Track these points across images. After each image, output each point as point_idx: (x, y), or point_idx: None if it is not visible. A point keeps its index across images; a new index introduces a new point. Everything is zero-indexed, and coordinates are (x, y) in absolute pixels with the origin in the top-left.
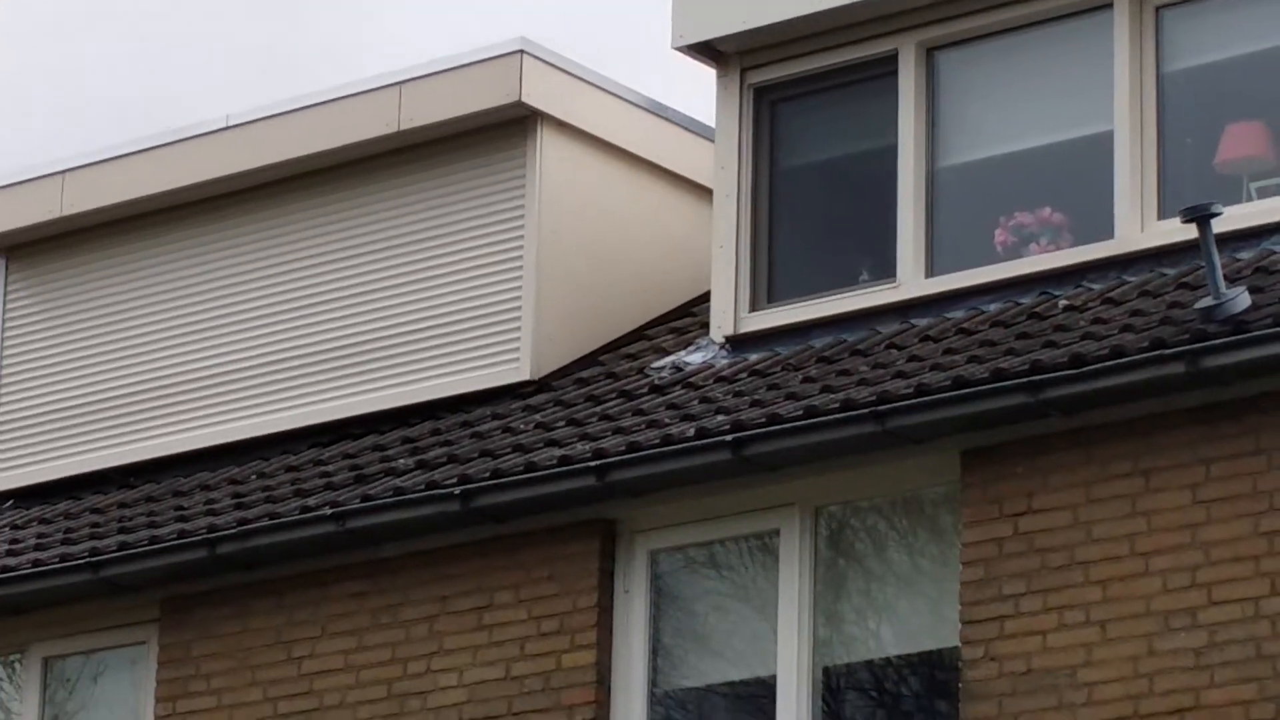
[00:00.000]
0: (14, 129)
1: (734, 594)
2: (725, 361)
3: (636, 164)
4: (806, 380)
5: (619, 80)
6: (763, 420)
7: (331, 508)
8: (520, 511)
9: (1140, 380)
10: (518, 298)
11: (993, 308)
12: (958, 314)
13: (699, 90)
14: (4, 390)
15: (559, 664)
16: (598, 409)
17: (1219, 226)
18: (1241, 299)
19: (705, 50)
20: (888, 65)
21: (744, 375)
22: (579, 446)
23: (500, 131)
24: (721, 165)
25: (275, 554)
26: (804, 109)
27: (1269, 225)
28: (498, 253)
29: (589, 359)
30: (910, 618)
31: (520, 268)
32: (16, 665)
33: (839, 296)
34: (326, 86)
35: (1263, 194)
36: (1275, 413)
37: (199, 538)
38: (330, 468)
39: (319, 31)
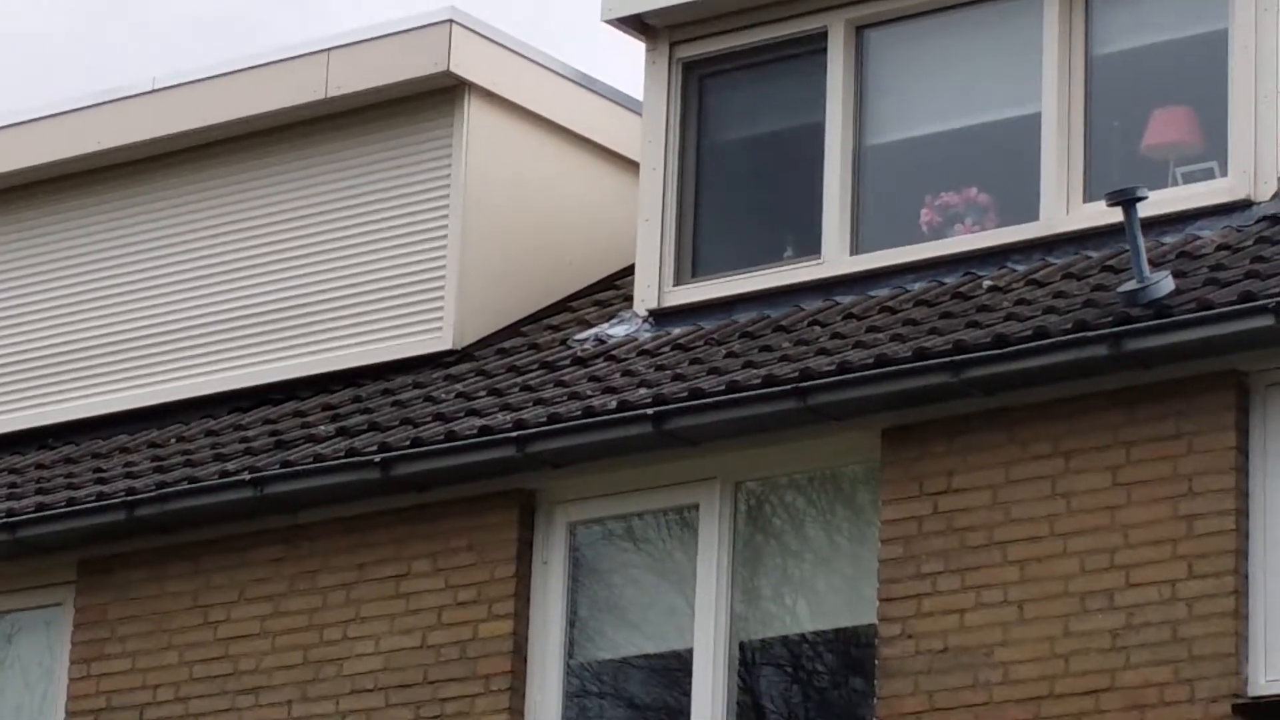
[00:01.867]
0: None
1: (652, 567)
2: (648, 335)
3: (564, 136)
4: (729, 355)
5: (548, 52)
6: (684, 394)
7: (250, 473)
8: (440, 481)
9: (1063, 362)
10: (442, 267)
11: (917, 287)
12: (882, 292)
13: (628, 64)
14: None
15: (476, 633)
16: (519, 380)
17: (1144, 210)
18: (1165, 283)
19: (635, 24)
20: (817, 42)
21: (667, 349)
22: (500, 417)
23: (428, 100)
24: (649, 139)
25: (193, 518)
26: (732, 84)
27: (1194, 210)
28: (423, 221)
29: (512, 329)
30: (828, 595)
31: (445, 237)
32: None
33: (763, 272)
34: (255, 51)
35: (1188, 179)
36: (1196, 397)
37: (117, 500)
38: (250, 433)
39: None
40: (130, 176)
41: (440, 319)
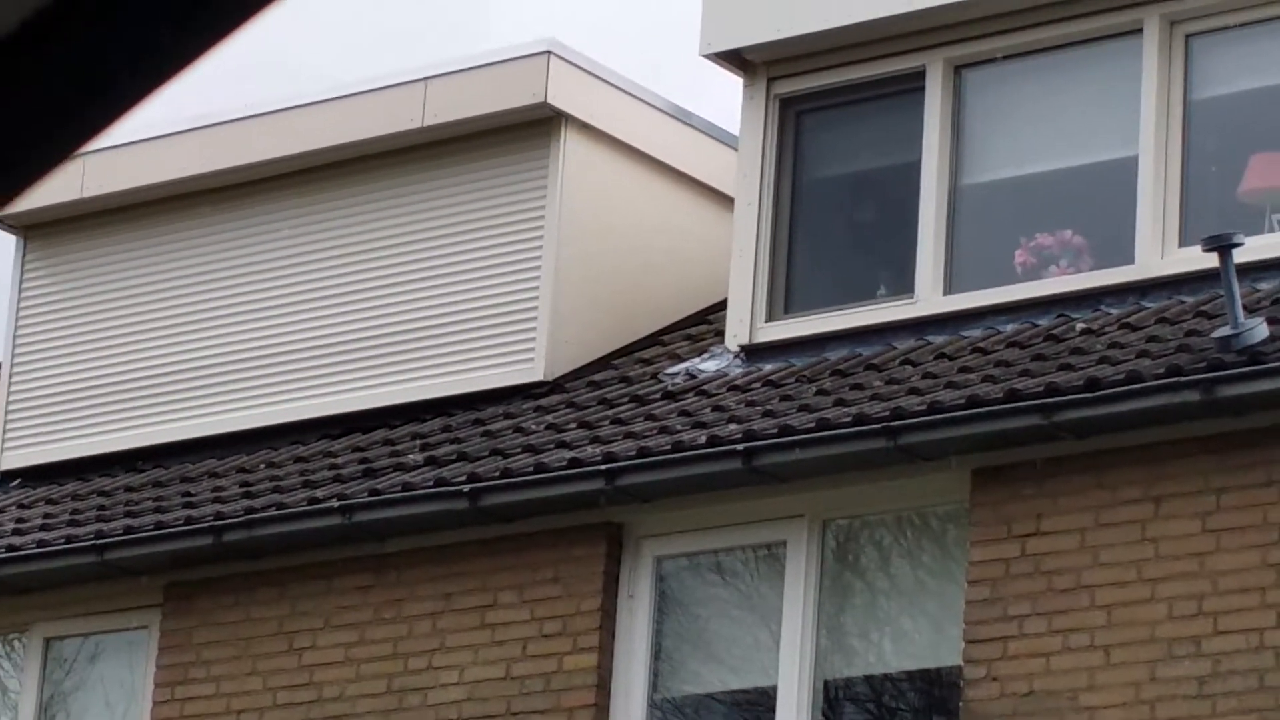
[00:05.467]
0: None
1: (738, 602)
2: (739, 370)
3: (659, 169)
4: (820, 393)
5: (644, 85)
6: (774, 431)
7: (339, 500)
8: (528, 512)
9: (1154, 407)
10: (534, 298)
11: (1009, 328)
12: (974, 333)
13: (724, 98)
14: (16, 370)
15: (560, 666)
16: (609, 412)
17: (1240, 256)
18: (1259, 330)
19: (733, 58)
20: (915, 81)
21: (757, 385)
22: (589, 449)
23: (524, 131)
24: (744, 173)
25: (280, 544)
26: (829, 121)
27: None
28: (517, 252)
29: (603, 362)
30: (913, 634)
31: (538, 268)
32: (17, 644)
33: (856, 310)
34: (352, 79)
35: None
36: None
37: (205, 525)
38: (339, 460)
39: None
40: (225, 202)
41: (532, 350)
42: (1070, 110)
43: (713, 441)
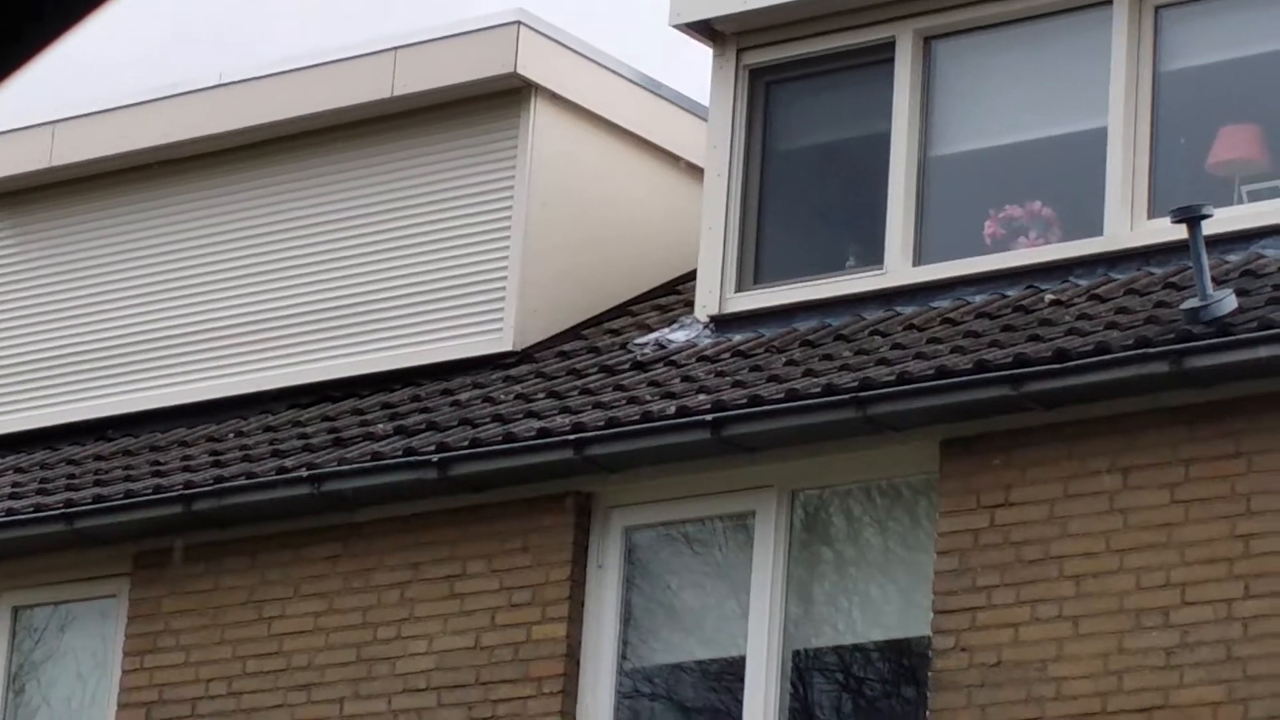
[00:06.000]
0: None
1: (707, 573)
2: (709, 341)
3: (629, 140)
4: (789, 363)
5: (615, 55)
6: (744, 401)
7: (308, 469)
8: (497, 482)
9: (1123, 378)
10: (504, 268)
11: (979, 299)
12: (943, 304)
13: (694, 69)
14: None
15: (529, 635)
16: (579, 383)
17: (1209, 228)
18: (1228, 301)
19: (702, 29)
20: (885, 52)
21: (727, 355)
22: (558, 419)
23: (494, 102)
24: (714, 145)
25: (250, 513)
26: (799, 92)
27: (1259, 229)
28: (486, 223)
29: (572, 332)
30: (882, 605)
31: (508, 238)
32: None
33: (825, 281)
34: (321, 48)
35: (1254, 197)
36: (1256, 416)
37: (174, 494)
38: (309, 429)
39: None
40: (194, 170)
41: (501, 320)
42: (1040, 82)
43: (682, 412)
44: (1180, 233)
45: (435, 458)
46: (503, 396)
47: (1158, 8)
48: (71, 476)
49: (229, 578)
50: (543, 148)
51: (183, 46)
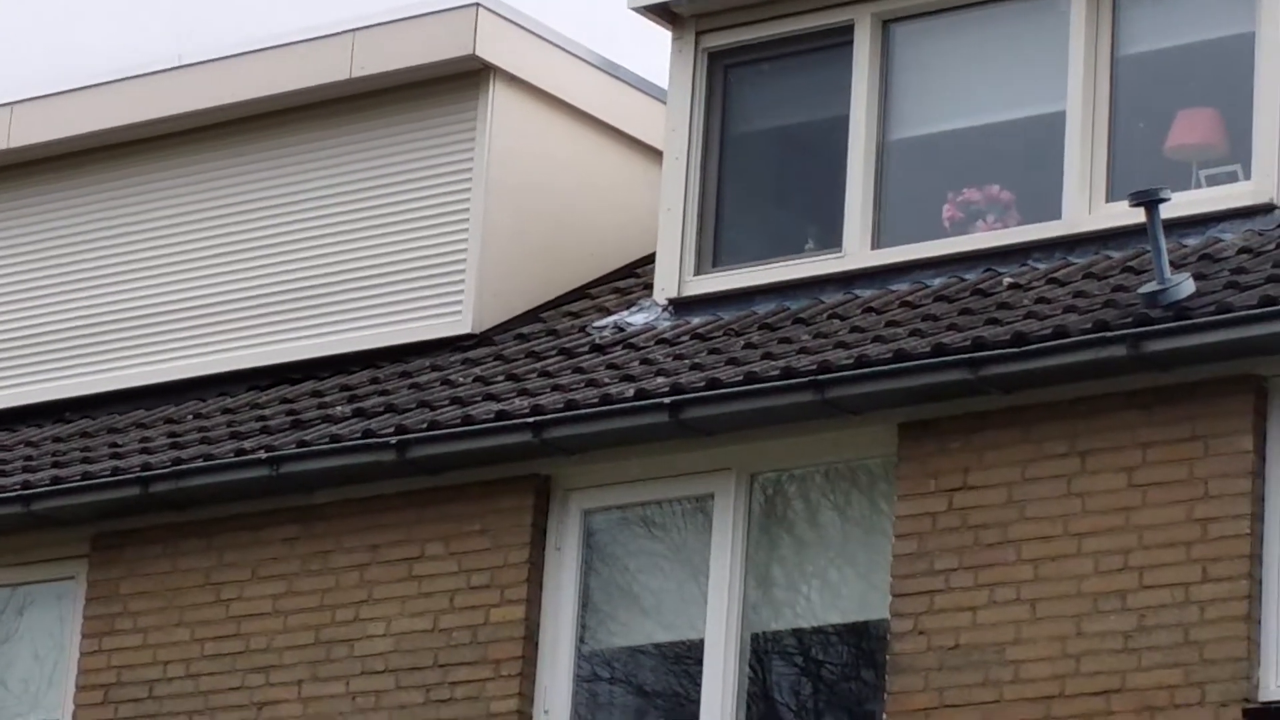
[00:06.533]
0: None
1: (666, 556)
2: (667, 324)
3: (588, 123)
4: (748, 346)
5: (574, 38)
6: (702, 384)
7: (266, 451)
8: (455, 464)
9: (1081, 361)
10: (463, 251)
11: (937, 282)
12: (902, 287)
13: (654, 52)
14: None
15: (488, 618)
16: (537, 365)
17: (1167, 212)
18: (1186, 285)
19: (661, 12)
20: (843, 35)
21: (685, 338)
22: (517, 402)
23: (453, 84)
24: (673, 128)
25: (208, 495)
26: (758, 75)
27: (1216, 213)
28: (445, 205)
29: (531, 315)
30: (841, 588)
31: (466, 221)
32: None
33: (784, 264)
34: (280, 29)
35: (1211, 181)
36: (1214, 400)
37: (132, 475)
38: (267, 411)
39: None
40: (152, 152)
41: (460, 303)
42: (998, 65)
43: (640, 395)
44: (1138, 216)
45: (394, 440)
46: (461, 379)
47: None
48: (29, 458)
49: (187, 559)
50: (502, 130)
51: (143, 26)
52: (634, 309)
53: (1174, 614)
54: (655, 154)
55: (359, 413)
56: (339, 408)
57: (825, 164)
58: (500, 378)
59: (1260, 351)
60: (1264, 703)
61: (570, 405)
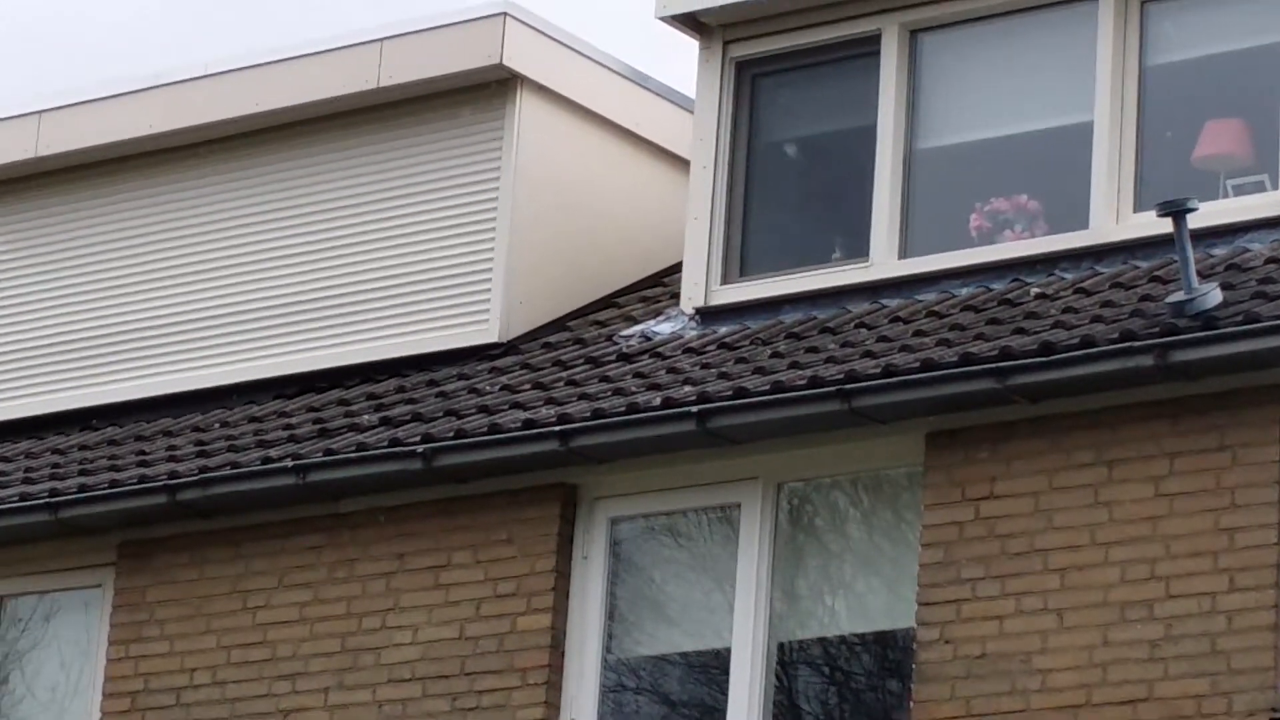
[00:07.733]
0: None
1: (692, 564)
2: (694, 333)
3: (615, 132)
4: (774, 355)
5: (601, 47)
6: (729, 393)
7: (293, 460)
8: (482, 473)
9: (1108, 371)
10: (489, 259)
11: (964, 292)
12: (929, 296)
13: (681, 61)
14: None
15: (514, 626)
16: (564, 374)
17: (1194, 222)
18: (1213, 295)
19: (689, 21)
20: (870, 45)
21: (712, 347)
22: (544, 411)
23: (480, 93)
24: (700, 137)
25: (235, 503)
26: (785, 84)
27: (1243, 223)
28: (472, 214)
29: (558, 324)
30: (867, 597)
31: (494, 230)
32: None
33: (811, 273)
34: (308, 39)
35: (1239, 191)
36: (1241, 409)
37: (159, 483)
38: (294, 420)
39: None
40: (180, 160)
41: (487, 312)
42: (1026, 75)
43: (667, 403)
44: (1165, 226)
45: (420, 449)
46: (488, 388)
47: (1144, 2)
48: (56, 466)
49: (214, 568)
50: (529, 139)
51: (172, 33)
52: (661, 318)
53: (1200, 624)
54: (682, 163)
55: (385, 421)
56: (366, 416)
57: (852, 173)
58: (527, 386)
59: None
60: None
61: (597, 414)
